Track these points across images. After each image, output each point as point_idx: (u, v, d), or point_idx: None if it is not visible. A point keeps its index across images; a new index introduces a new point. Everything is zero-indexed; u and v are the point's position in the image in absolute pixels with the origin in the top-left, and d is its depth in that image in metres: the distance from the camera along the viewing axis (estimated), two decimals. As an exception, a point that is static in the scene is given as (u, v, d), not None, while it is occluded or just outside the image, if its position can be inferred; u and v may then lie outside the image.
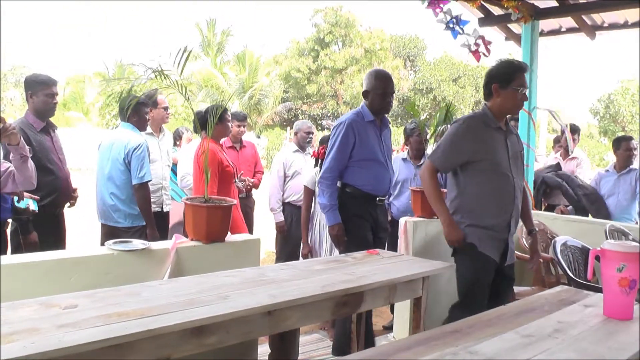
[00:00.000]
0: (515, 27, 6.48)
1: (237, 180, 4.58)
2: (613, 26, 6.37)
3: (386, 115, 4.04)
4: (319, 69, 34.27)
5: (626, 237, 4.47)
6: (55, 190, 3.99)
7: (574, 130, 6.61)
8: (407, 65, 37.85)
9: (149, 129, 4.73)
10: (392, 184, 4.24)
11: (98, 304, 2.08)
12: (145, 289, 2.33)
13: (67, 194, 4.15)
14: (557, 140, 7.30)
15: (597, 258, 2.29)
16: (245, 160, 5.82)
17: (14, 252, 3.58)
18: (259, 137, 30.28)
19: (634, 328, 2.12)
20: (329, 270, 2.85)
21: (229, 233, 3.18)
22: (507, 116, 3.51)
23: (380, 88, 3.86)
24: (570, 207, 5.79)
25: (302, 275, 2.74)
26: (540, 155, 8.15)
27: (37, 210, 3.44)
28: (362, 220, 3.87)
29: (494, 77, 3.39)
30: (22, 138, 3.29)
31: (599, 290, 2.50)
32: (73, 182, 4.24)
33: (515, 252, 3.66)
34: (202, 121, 4.14)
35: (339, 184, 3.88)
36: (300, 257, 4.81)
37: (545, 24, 6.45)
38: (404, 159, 5.09)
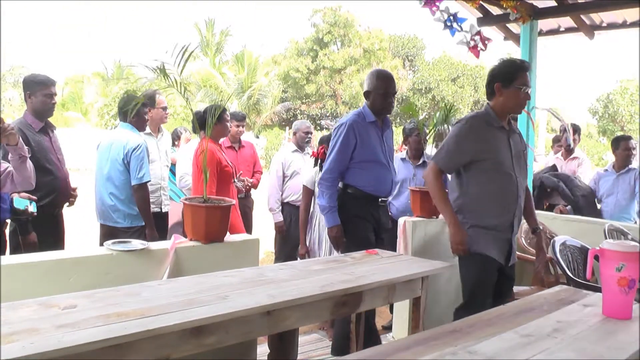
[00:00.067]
0: (514, 27, 6.48)
1: (235, 180, 4.58)
2: (612, 26, 6.37)
3: (388, 115, 4.02)
4: (318, 69, 34.25)
5: (625, 237, 4.47)
6: (54, 190, 3.99)
7: (575, 129, 6.60)
8: (406, 65, 37.85)
9: (147, 129, 4.73)
10: (394, 185, 4.21)
11: (97, 304, 2.08)
12: (144, 289, 2.33)
13: (66, 194, 4.15)
14: (556, 140, 7.29)
15: (596, 258, 2.30)
16: (244, 160, 5.81)
17: (12, 252, 3.58)
18: (257, 137, 30.26)
19: (633, 327, 2.13)
20: (328, 270, 2.85)
21: (227, 233, 3.17)
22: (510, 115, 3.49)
23: (382, 88, 3.84)
24: (569, 207, 5.79)
25: (301, 275, 2.74)
26: (539, 155, 8.15)
27: (35, 212, 3.44)
28: (364, 222, 3.86)
29: (497, 76, 3.37)
30: (20, 138, 3.28)
31: (598, 289, 2.50)
32: (72, 183, 4.24)
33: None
34: (200, 121, 4.14)
35: (340, 184, 3.87)
36: (297, 257, 4.80)
37: (544, 24, 6.45)
38: (402, 159, 5.08)
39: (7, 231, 3.61)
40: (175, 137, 6.51)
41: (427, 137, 4.72)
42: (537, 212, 3.78)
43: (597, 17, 6.21)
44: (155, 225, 4.34)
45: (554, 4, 5.84)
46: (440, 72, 35.04)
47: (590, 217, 5.35)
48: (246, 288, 2.43)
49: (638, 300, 2.42)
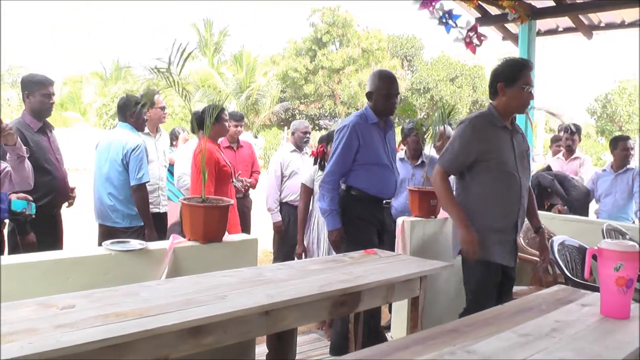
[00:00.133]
0: (512, 27, 6.50)
1: (234, 180, 4.58)
2: (610, 26, 6.39)
3: (390, 116, 3.99)
4: (317, 69, 34.24)
5: (623, 237, 4.48)
6: (53, 190, 3.99)
7: (576, 129, 6.59)
8: (405, 65, 37.84)
9: (146, 129, 4.73)
10: (398, 186, 4.18)
11: (96, 304, 2.08)
12: (143, 289, 2.33)
13: (65, 194, 4.15)
14: (554, 140, 7.30)
15: (595, 257, 2.30)
16: (242, 160, 5.81)
17: (11, 252, 3.57)
18: (256, 137, 30.27)
19: (631, 327, 2.13)
20: (327, 270, 2.85)
21: (226, 233, 3.17)
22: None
23: (384, 89, 3.82)
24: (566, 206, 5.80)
25: (300, 275, 2.74)
26: (538, 155, 8.15)
27: (33, 214, 3.43)
28: (368, 224, 3.84)
29: (499, 75, 3.35)
30: (18, 138, 3.29)
31: (596, 289, 2.51)
32: (70, 183, 4.24)
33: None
34: (199, 121, 4.14)
35: (343, 186, 3.85)
36: (295, 257, 4.80)
37: (542, 24, 6.47)
38: (401, 159, 5.07)
39: (5, 231, 3.61)
40: (173, 137, 6.50)
41: (426, 137, 4.71)
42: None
43: (596, 17, 6.23)
44: (154, 225, 4.34)
45: (552, 4, 5.85)
46: (438, 72, 35.04)
47: (591, 218, 5.36)
48: (244, 288, 2.43)
49: (637, 300, 2.43)
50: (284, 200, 5.57)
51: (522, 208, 3.40)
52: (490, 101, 3.45)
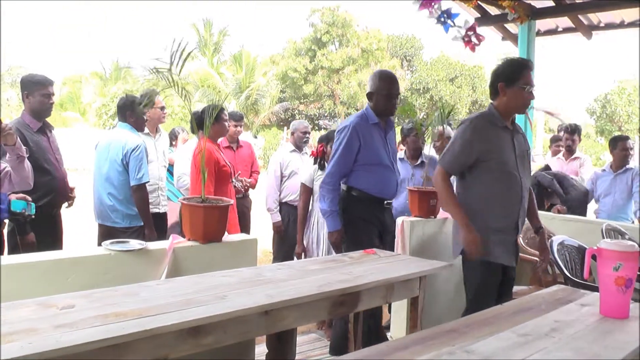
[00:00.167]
0: (512, 27, 6.50)
1: (234, 180, 4.58)
2: (609, 26, 6.39)
3: (391, 117, 3.97)
4: (316, 69, 34.24)
5: (622, 236, 4.48)
6: (52, 190, 3.99)
7: (576, 129, 6.59)
8: (404, 65, 37.84)
9: (145, 129, 4.73)
10: (399, 187, 4.16)
11: (95, 304, 2.08)
12: (142, 289, 2.33)
13: (64, 195, 4.15)
14: (554, 140, 7.29)
15: (594, 257, 2.30)
16: (241, 160, 5.82)
17: (10, 252, 3.58)
18: (256, 137, 30.26)
19: (630, 327, 2.13)
20: (326, 270, 2.86)
21: (226, 233, 3.17)
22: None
23: (385, 89, 3.80)
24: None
25: (299, 275, 2.74)
26: (537, 155, 8.15)
27: (33, 215, 3.43)
28: (370, 225, 3.82)
29: (500, 75, 3.34)
30: (18, 138, 3.29)
31: (595, 289, 2.51)
32: (70, 183, 4.24)
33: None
34: (199, 121, 4.14)
35: (344, 187, 3.83)
36: (294, 257, 4.80)
37: (542, 24, 6.47)
38: (400, 159, 5.07)
39: (5, 231, 3.62)
40: (173, 137, 6.50)
41: (425, 137, 4.72)
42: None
43: (595, 17, 6.23)
44: (154, 225, 4.34)
45: (552, 4, 5.85)
46: (438, 72, 35.05)
47: (590, 218, 5.36)
48: (244, 288, 2.43)
49: (638, 300, 2.43)
50: (283, 200, 5.57)
51: (523, 208, 3.39)
52: (491, 101, 3.44)
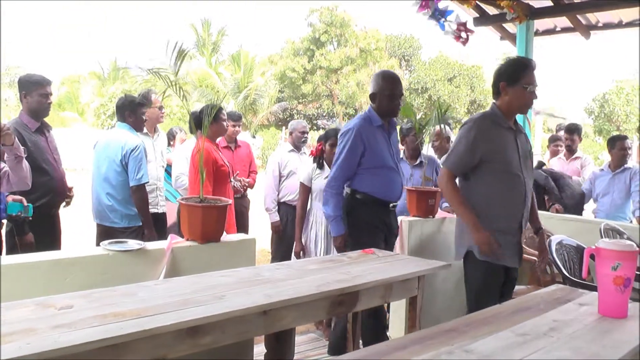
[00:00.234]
0: (510, 27, 6.51)
1: (232, 180, 4.57)
2: (608, 26, 6.40)
3: (394, 118, 3.93)
4: (314, 69, 34.24)
5: (621, 236, 4.49)
6: (51, 190, 3.99)
7: (576, 129, 6.58)
8: (403, 65, 37.85)
9: (144, 129, 4.73)
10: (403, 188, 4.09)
11: (94, 304, 2.08)
12: (140, 289, 2.32)
13: (63, 195, 4.14)
14: (552, 140, 7.29)
15: (592, 257, 2.30)
16: (240, 160, 5.81)
17: (9, 252, 3.57)
18: (254, 137, 30.26)
19: (629, 326, 2.14)
20: (325, 270, 2.85)
21: (224, 233, 3.17)
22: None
23: (388, 89, 3.76)
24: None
25: (298, 274, 2.74)
26: (536, 155, 8.15)
27: (30, 217, 3.41)
28: (375, 228, 3.76)
29: (502, 74, 3.31)
30: (16, 138, 3.28)
31: (593, 288, 2.51)
32: (68, 182, 4.24)
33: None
34: (197, 121, 4.14)
35: (348, 190, 3.79)
36: (293, 255, 4.80)
37: (540, 24, 6.48)
38: (399, 159, 5.07)
39: (3, 231, 3.61)
40: (170, 137, 6.49)
41: (424, 137, 4.71)
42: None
43: (593, 17, 6.24)
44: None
45: (550, 3, 5.86)
46: (436, 72, 35.06)
47: (588, 217, 5.36)
48: (242, 288, 2.43)
49: (638, 300, 2.43)
50: (281, 200, 5.57)
51: (527, 209, 3.36)
52: (494, 101, 3.41)
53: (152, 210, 4.59)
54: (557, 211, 5.67)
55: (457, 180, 3.46)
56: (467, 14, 6.26)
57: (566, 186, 5.71)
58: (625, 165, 5.60)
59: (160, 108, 5.12)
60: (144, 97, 4.75)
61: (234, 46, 64.87)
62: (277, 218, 5.54)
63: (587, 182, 5.90)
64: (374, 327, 3.76)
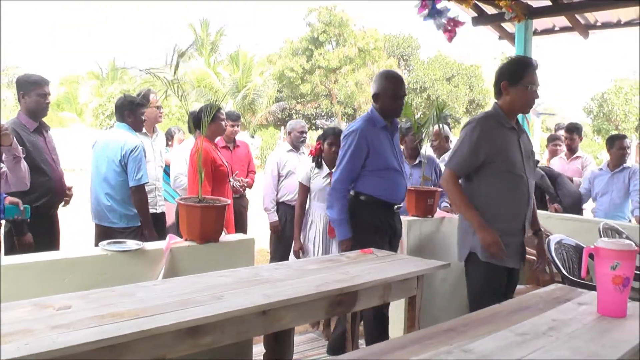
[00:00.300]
0: (508, 26, 6.51)
1: (231, 180, 4.57)
2: (606, 25, 6.40)
3: (397, 118, 3.89)
4: (313, 69, 34.23)
5: (620, 235, 4.48)
6: (49, 191, 3.98)
7: (576, 129, 6.57)
8: (401, 64, 37.86)
9: (143, 129, 4.72)
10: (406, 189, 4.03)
11: (92, 304, 2.07)
12: (139, 290, 2.32)
13: (61, 195, 4.13)
14: (551, 139, 7.29)
15: (591, 256, 2.30)
16: (238, 160, 5.81)
17: (7, 253, 3.55)
18: (253, 136, 30.26)
19: (628, 326, 2.13)
20: (323, 270, 2.85)
21: (223, 233, 3.17)
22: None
23: (391, 89, 3.70)
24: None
25: (297, 274, 2.74)
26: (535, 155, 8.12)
27: (28, 219, 3.40)
28: (379, 231, 3.71)
29: (504, 74, 3.29)
30: (14, 139, 3.28)
31: (592, 288, 2.51)
32: (67, 182, 4.23)
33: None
34: (196, 121, 4.13)
35: (352, 192, 3.74)
36: (292, 255, 4.79)
37: (539, 23, 6.48)
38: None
39: (2, 232, 3.60)
40: (169, 137, 6.48)
41: (423, 137, 4.71)
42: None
43: (592, 16, 6.24)
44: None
45: (549, 3, 5.86)
46: (435, 71, 35.07)
47: (587, 217, 5.36)
48: (241, 288, 2.43)
49: (637, 299, 2.43)
50: (280, 200, 5.57)
51: (530, 209, 3.34)
52: (495, 101, 3.39)
53: (150, 210, 4.58)
54: (556, 210, 5.67)
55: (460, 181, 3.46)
56: (466, 14, 6.26)
57: (563, 185, 5.71)
58: (624, 165, 5.60)
59: (159, 108, 5.11)
60: (144, 97, 4.74)
61: (233, 46, 64.85)
62: (276, 218, 5.54)
63: (586, 181, 5.89)
64: (380, 329, 3.73)
